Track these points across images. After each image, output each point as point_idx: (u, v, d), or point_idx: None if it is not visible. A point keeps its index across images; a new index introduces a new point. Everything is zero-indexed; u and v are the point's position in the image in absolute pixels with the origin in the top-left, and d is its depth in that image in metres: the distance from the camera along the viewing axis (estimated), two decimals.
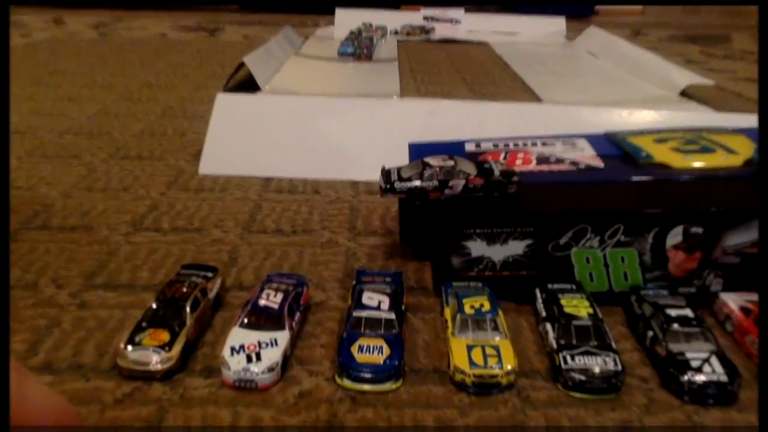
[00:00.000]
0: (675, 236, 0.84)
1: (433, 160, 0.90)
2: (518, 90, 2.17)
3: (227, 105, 1.43)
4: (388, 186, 0.88)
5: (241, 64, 1.94)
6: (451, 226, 0.86)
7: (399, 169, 0.91)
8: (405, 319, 0.81)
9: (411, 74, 2.40)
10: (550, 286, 0.85)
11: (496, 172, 0.88)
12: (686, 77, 1.99)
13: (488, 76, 2.38)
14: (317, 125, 1.42)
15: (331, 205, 1.19)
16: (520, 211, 0.86)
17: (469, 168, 0.89)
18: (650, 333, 0.78)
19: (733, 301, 0.84)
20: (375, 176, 0.90)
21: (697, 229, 0.84)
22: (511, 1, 3.89)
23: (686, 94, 1.94)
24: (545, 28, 3.20)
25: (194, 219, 1.11)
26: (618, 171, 0.95)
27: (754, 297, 0.84)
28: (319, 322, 0.83)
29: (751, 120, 1.35)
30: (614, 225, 0.84)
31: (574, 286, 0.85)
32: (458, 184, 0.87)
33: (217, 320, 0.82)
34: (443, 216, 0.86)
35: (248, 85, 1.97)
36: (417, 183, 0.87)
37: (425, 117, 1.48)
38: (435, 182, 0.87)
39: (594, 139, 1.07)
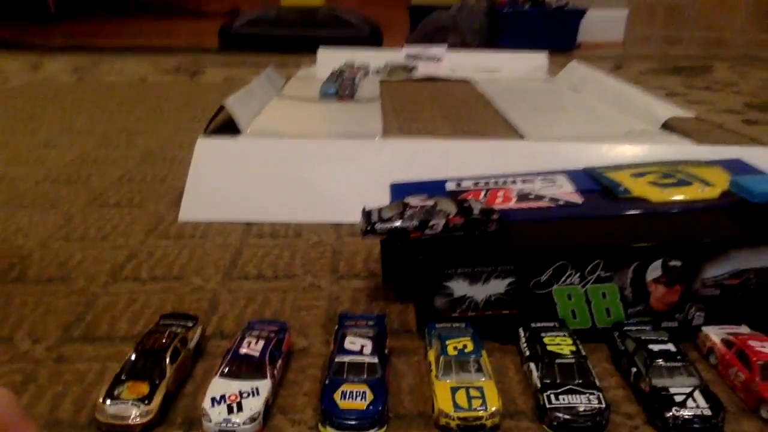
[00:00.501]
0: (654, 270, 0.85)
1: (414, 200, 0.91)
2: (500, 126, 2.20)
3: (207, 150, 1.43)
4: (368, 227, 0.89)
5: (222, 107, 1.96)
6: (433, 267, 0.86)
7: (380, 210, 0.91)
8: (389, 363, 0.80)
9: (394, 113, 2.43)
10: (533, 324, 0.85)
11: (476, 211, 0.89)
12: (667, 110, 2.03)
13: (471, 114, 2.42)
14: (298, 168, 1.43)
15: (313, 249, 1.18)
16: (501, 249, 0.86)
17: (450, 207, 0.90)
18: (634, 369, 0.78)
19: (715, 335, 0.84)
20: (357, 218, 0.91)
21: (676, 263, 0.85)
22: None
23: (668, 126, 1.98)
24: (527, 64, 3.25)
25: (174, 267, 1.10)
26: (597, 206, 0.97)
27: (737, 329, 0.85)
28: (302, 369, 0.82)
29: (729, 152, 1.40)
30: (594, 260, 0.85)
31: (557, 324, 0.85)
32: (438, 223, 0.88)
33: (198, 370, 0.81)
34: (424, 256, 0.86)
35: (229, 127, 1.98)
36: (397, 223, 0.88)
37: (407, 157, 1.50)
38: (415, 222, 0.88)
39: (573, 175, 1.09)
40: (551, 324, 0.85)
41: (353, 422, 0.69)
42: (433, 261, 0.86)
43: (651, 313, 0.87)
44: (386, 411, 0.71)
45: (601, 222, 0.92)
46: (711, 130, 2.18)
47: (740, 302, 0.86)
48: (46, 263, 1.11)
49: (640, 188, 0.99)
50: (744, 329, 0.85)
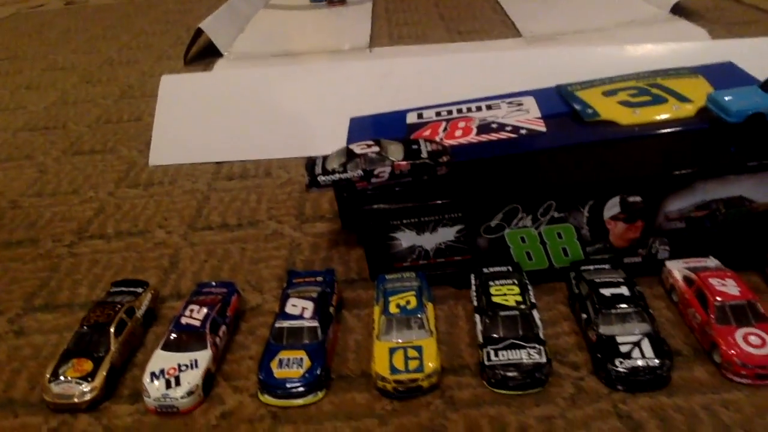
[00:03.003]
0: (612, 207, 0.80)
1: (358, 147, 0.86)
2: (498, 23, 2.06)
3: (172, 87, 1.38)
4: (311, 180, 0.85)
5: (200, 30, 1.88)
6: (377, 219, 0.83)
7: (324, 160, 0.87)
8: (335, 321, 0.79)
9: (386, 16, 2.29)
10: (486, 270, 0.82)
11: (424, 154, 0.84)
12: None
13: (468, 9, 2.26)
14: (269, 99, 1.37)
15: (281, 189, 1.16)
16: (446, 198, 0.82)
17: (396, 152, 0.84)
18: (584, 315, 0.75)
19: (677, 271, 0.80)
20: (331, 149, 0.86)
21: (635, 198, 0.79)
22: None
23: (679, 8, 1.82)
24: None
25: (139, 220, 1.09)
26: (560, 134, 0.90)
27: (702, 263, 0.80)
28: (252, 329, 0.82)
29: (745, 45, 1.28)
30: (545, 202, 0.80)
31: (510, 269, 0.82)
32: (384, 171, 0.83)
33: (150, 337, 0.82)
34: (367, 209, 0.83)
35: (212, 50, 1.92)
36: (341, 175, 0.84)
37: (389, 77, 1.42)
38: (359, 172, 0.83)
39: (542, 96, 1.01)
40: (504, 269, 0.82)
41: (289, 390, 0.69)
42: (377, 213, 0.82)
43: (611, 251, 0.83)
44: (324, 375, 0.71)
45: (559, 155, 0.86)
46: (727, 7, 1.99)
47: (708, 234, 0.81)
48: (17, 224, 1.11)
49: (610, 110, 0.91)
50: (711, 262, 0.80)
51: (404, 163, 0.83)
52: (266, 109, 1.36)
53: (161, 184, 1.21)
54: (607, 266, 0.81)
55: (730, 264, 0.80)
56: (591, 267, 0.81)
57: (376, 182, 0.83)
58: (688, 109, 0.89)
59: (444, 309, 0.83)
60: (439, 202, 0.81)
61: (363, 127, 1.04)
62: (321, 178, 0.84)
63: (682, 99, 0.91)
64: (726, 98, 0.84)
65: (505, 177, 0.83)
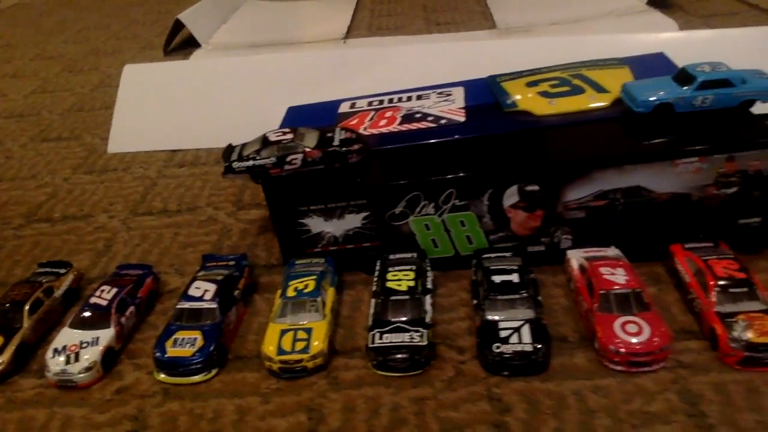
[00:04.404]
0: (511, 196, 0.81)
1: (273, 135, 0.88)
2: (477, 15, 2.05)
3: (134, 77, 1.42)
4: (226, 165, 0.87)
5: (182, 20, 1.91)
6: (285, 205, 0.85)
7: (242, 147, 0.90)
8: (240, 303, 0.82)
9: (370, 7, 2.30)
10: (391, 256, 0.84)
11: (336, 142, 0.86)
12: None
13: (451, 1, 2.25)
14: (230, 89, 1.40)
15: (240, 177, 1.18)
16: (350, 184, 0.84)
17: (310, 140, 0.87)
18: (475, 301, 0.77)
19: (576, 259, 0.81)
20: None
21: (533, 187, 0.80)
22: None
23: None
24: None
25: (86, 205, 1.13)
26: (475, 125, 0.91)
27: (602, 252, 0.81)
28: (165, 311, 0.85)
29: (714, 36, 1.28)
30: (446, 190, 0.81)
31: (414, 255, 0.84)
32: (297, 158, 0.85)
33: (69, 317, 0.85)
34: (275, 195, 0.85)
35: (195, 40, 1.95)
36: (255, 161, 0.86)
37: (343, 67, 1.44)
38: (273, 159, 0.85)
39: (472, 87, 1.02)
40: (409, 255, 0.84)
41: (180, 368, 0.72)
42: (285, 199, 0.85)
43: (515, 239, 0.84)
44: (217, 355, 0.74)
45: (468, 144, 0.87)
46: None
47: (609, 224, 0.82)
48: None
49: (528, 100, 0.92)
50: (611, 252, 0.81)
51: (316, 150, 0.85)
52: (226, 97, 1.39)
53: (115, 171, 1.25)
54: (508, 254, 0.82)
55: (633, 254, 0.81)
56: (492, 255, 0.83)
57: (289, 169, 0.86)
58: (604, 99, 0.90)
59: (351, 294, 0.85)
60: (344, 188, 0.83)
61: (297, 116, 1.06)
62: (235, 164, 0.87)
63: (600, 90, 0.92)
64: (636, 89, 0.85)
65: (411, 165, 0.85)
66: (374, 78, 1.39)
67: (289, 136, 0.87)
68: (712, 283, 0.72)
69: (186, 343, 0.74)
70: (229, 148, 0.90)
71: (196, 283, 0.81)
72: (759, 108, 0.82)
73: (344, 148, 0.84)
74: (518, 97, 0.94)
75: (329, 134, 0.88)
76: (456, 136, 0.88)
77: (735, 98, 0.81)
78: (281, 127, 0.99)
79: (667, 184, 0.78)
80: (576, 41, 1.51)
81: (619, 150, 0.79)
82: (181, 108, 1.37)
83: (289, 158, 0.85)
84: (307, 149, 0.85)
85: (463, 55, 1.48)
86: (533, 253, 0.84)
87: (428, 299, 0.77)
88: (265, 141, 0.87)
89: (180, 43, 2.00)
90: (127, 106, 1.38)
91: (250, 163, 0.86)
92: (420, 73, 1.36)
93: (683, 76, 0.83)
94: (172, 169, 1.24)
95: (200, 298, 0.78)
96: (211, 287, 0.80)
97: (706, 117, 0.81)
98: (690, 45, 1.36)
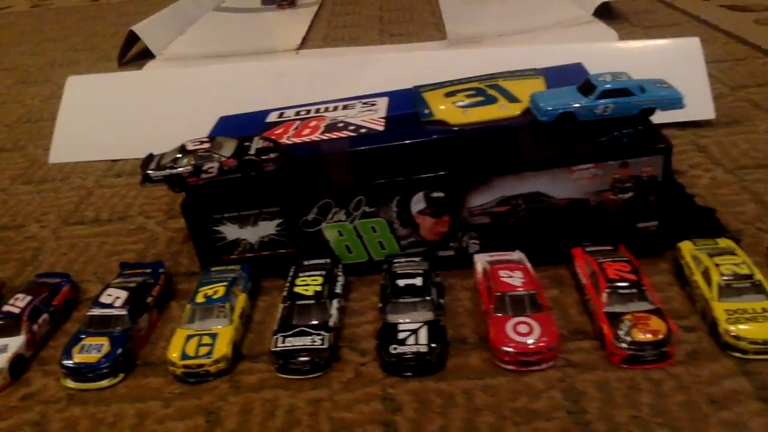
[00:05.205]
0: (418, 202, 0.84)
1: (191, 144, 0.90)
2: (431, 27, 2.09)
3: (78, 87, 1.43)
4: (144, 174, 0.89)
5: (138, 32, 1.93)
6: (199, 213, 0.87)
7: (161, 156, 0.91)
8: (154, 310, 0.83)
9: (328, 18, 2.33)
10: (306, 262, 0.86)
11: (252, 151, 0.88)
12: None
13: (408, 13, 2.29)
14: (170, 100, 1.41)
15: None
16: (262, 192, 0.86)
17: (227, 149, 0.88)
18: (380, 304, 0.79)
19: (480, 263, 0.83)
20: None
21: (438, 194, 0.83)
22: None
23: (610, 10, 1.86)
24: None
25: (19, 215, 1.14)
26: (393, 134, 0.94)
27: (506, 257, 0.83)
28: (82, 318, 0.86)
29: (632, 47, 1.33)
30: (356, 197, 0.84)
31: (329, 261, 0.86)
32: (213, 167, 0.87)
33: None
34: (187, 203, 0.87)
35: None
36: (171, 170, 0.88)
37: (281, 77, 1.46)
38: (189, 168, 0.87)
39: (397, 97, 1.05)
40: (323, 261, 0.86)
41: (85, 374, 0.73)
42: (198, 207, 0.87)
43: (425, 244, 0.87)
44: (123, 361, 0.75)
45: (381, 153, 0.89)
46: (657, 10, 2.01)
47: (513, 229, 0.84)
48: None
49: (444, 110, 0.95)
50: (515, 256, 0.83)
51: (232, 159, 0.87)
52: (169, 108, 1.40)
53: (53, 181, 1.26)
54: (418, 259, 0.85)
55: (539, 258, 0.84)
56: (403, 260, 0.85)
57: (206, 177, 0.87)
58: (515, 109, 0.92)
59: (266, 299, 0.87)
60: (256, 196, 0.85)
61: (227, 126, 1.08)
62: (152, 174, 0.88)
63: (513, 99, 0.95)
64: (542, 98, 0.88)
65: (325, 173, 0.87)
66: (322, 88, 1.41)
67: (206, 145, 0.89)
68: (603, 284, 0.75)
69: (93, 349, 0.75)
70: (149, 158, 0.91)
71: (108, 291, 0.82)
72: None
73: (262, 157, 0.86)
74: (436, 107, 0.96)
75: (246, 143, 0.90)
76: (372, 145, 0.90)
77: (634, 107, 0.84)
78: (209, 135, 1.01)
79: (565, 190, 0.81)
80: (519, 52, 1.55)
81: (517, 158, 0.82)
82: (124, 118, 1.39)
83: (205, 167, 0.87)
84: (223, 158, 0.87)
85: (411, 65, 1.50)
86: (444, 258, 0.87)
87: (335, 303, 0.79)
88: (182, 150, 0.89)
89: (137, 55, 2.01)
90: (70, 117, 1.39)
91: (167, 172, 0.88)
92: (367, 83, 1.38)
93: (586, 86, 0.86)
94: (109, 179, 1.25)
95: (110, 305, 0.79)
96: (123, 294, 0.81)
97: (607, 125, 0.84)
98: (620, 55, 1.41)
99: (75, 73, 1.92)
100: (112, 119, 1.39)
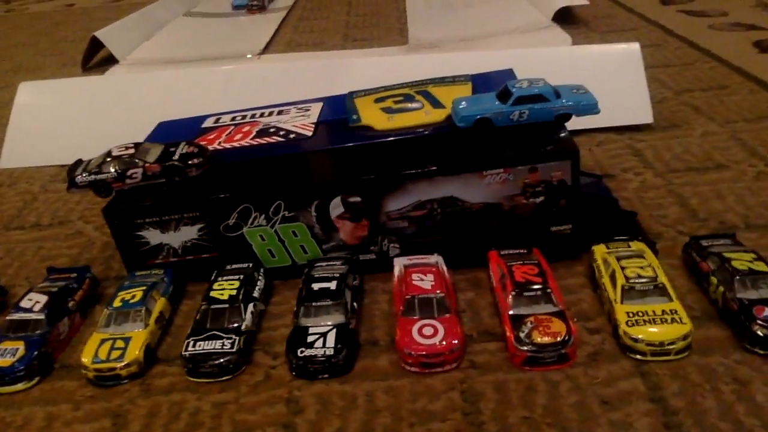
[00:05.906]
0: (336, 207, 0.85)
1: (117, 150, 0.91)
2: (395, 32, 2.11)
3: (31, 93, 1.44)
4: (69, 180, 0.90)
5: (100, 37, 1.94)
6: (120, 218, 0.88)
7: (88, 161, 0.92)
8: (76, 315, 0.84)
9: (295, 23, 2.34)
10: (228, 267, 0.87)
11: (176, 156, 0.89)
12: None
13: (375, 18, 2.31)
14: (124, 105, 1.43)
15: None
16: (183, 197, 0.87)
17: (152, 155, 0.89)
18: (295, 308, 0.80)
19: (397, 267, 0.85)
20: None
21: (355, 198, 0.84)
22: None
23: (570, 15, 1.88)
24: None
25: None
26: (319, 139, 0.95)
27: (423, 260, 0.85)
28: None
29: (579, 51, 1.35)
30: (274, 202, 0.85)
31: (250, 265, 0.87)
32: (137, 172, 0.88)
33: None
34: (108, 209, 0.88)
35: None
36: (96, 176, 0.89)
37: (228, 82, 1.47)
38: (114, 173, 0.88)
39: (331, 102, 1.06)
40: (244, 266, 0.87)
41: (4, 378, 0.74)
42: (120, 212, 0.88)
43: (346, 248, 0.88)
44: (38, 365, 0.76)
45: (304, 158, 0.91)
46: (617, 15, 2.03)
47: (431, 233, 0.86)
48: None
49: (370, 116, 0.96)
50: (432, 259, 0.85)
51: (156, 165, 0.88)
52: (123, 113, 1.41)
53: (0, 186, 1.27)
54: (338, 263, 0.86)
55: (456, 261, 0.85)
56: (324, 263, 0.86)
57: (131, 183, 0.88)
58: (439, 115, 0.94)
59: (190, 304, 0.88)
60: (175, 201, 0.87)
61: (164, 131, 1.09)
62: (78, 179, 0.89)
63: (438, 105, 0.96)
64: (461, 104, 0.89)
65: (248, 178, 0.89)
66: (279, 93, 1.42)
67: (131, 150, 0.90)
68: (510, 287, 0.76)
69: (7, 354, 0.76)
70: (77, 163, 0.92)
71: (30, 295, 0.83)
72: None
73: (187, 162, 0.87)
74: (364, 112, 0.98)
75: (172, 149, 0.91)
76: (300, 150, 0.91)
77: (550, 112, 0.86)
78: (146, 140, 1.02)
79: (478, 194, 0.83)
80: (470, 57, 1.57)
81: (428, 163, 0.83)
82: (76, 124, 1.40)
83: (129, 172, 0.88)
84: (147, 164, 0.88)
85: (368, 70, 1.52)
86: (366, 261, 0.88)
87: (249, 307, 0.80)
88: (108, 155, 0.90)
89: (102, 60, 2.02)
90: (22, 123, 1.40)
91: (92, 177, 0.89)
92: (323, 87, 1.39)
93: (504, 93, 0.87)
94: (56, 184, 1.26)
95: (29, 310, 0.81)
96: (43, 298, 0.82)
97: (524, 131, 0.86)
98: (567, 60, 1.43)
99: (39, 79, 1.94)
100: (64, 125, 1.40)
